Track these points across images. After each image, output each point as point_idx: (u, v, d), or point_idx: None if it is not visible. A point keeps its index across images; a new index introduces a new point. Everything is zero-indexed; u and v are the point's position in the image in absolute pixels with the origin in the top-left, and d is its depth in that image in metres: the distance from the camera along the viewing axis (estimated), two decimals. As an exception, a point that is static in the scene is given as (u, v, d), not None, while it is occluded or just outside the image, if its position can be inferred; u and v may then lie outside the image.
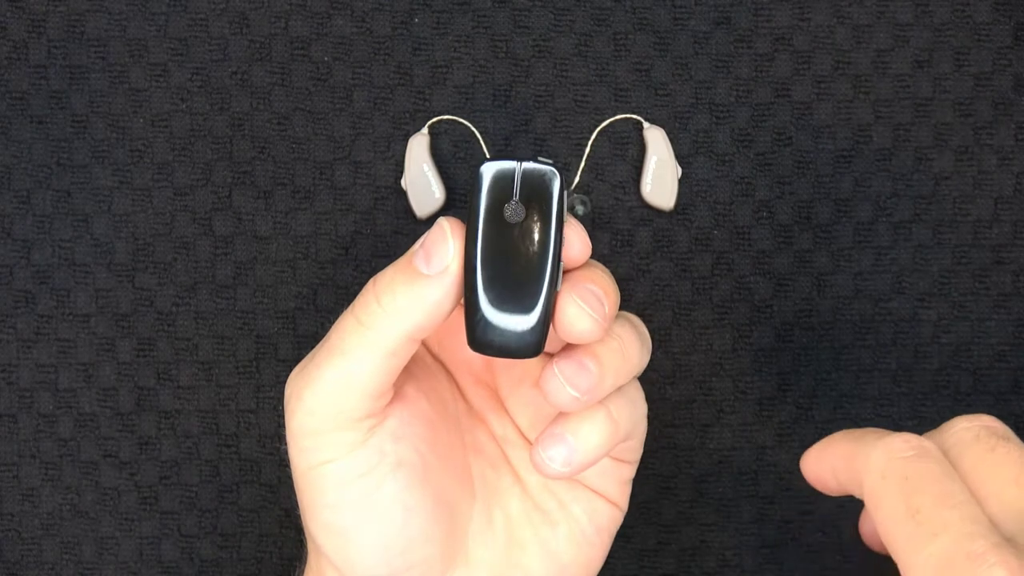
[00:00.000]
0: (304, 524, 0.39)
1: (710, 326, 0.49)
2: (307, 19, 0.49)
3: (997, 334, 0.50)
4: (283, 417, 0.47)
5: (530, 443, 0.42)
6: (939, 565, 0.32)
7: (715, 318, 0.49)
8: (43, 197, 0.49)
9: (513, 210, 0.36)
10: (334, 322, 0.36)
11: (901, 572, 0.33)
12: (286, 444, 0.39)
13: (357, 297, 0.37)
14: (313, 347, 0.49)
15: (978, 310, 0.50)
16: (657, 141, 0.49)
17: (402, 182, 0.49)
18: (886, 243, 0.49)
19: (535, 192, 0.36)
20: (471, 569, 0.41)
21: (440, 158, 0.49)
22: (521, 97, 0.49)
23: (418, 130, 0.49)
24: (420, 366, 0.41)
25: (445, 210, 0.49)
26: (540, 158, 0.36)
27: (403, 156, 0.49)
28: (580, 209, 0.48)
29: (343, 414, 0.37)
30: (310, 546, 0.40)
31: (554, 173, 0.36)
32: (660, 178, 0.49)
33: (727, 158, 0.49)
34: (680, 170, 0.49)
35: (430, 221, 0.49)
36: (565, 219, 0.36)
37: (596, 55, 0.49)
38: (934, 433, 0.37)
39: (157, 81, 0.49)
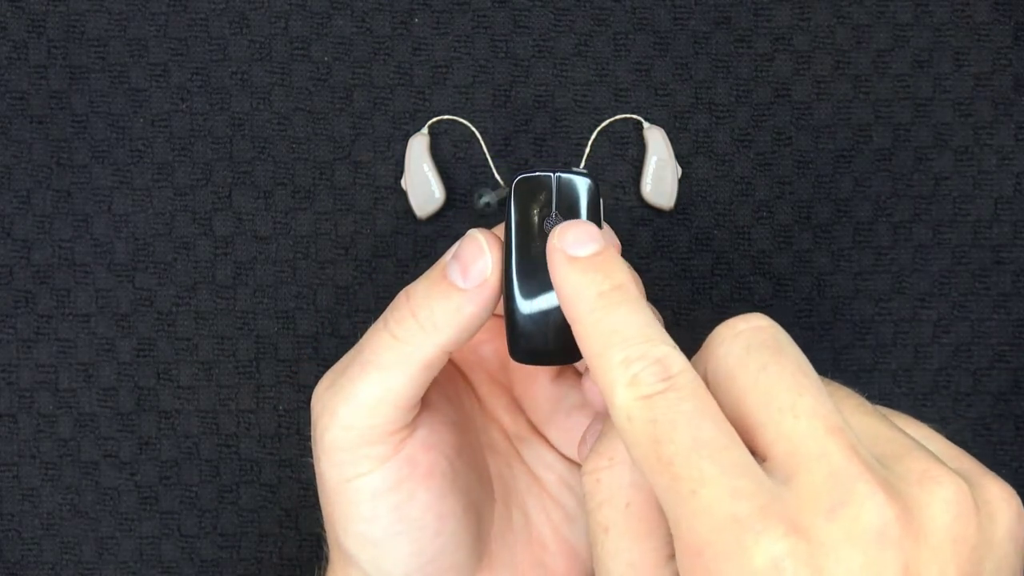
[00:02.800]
0: (332, 534, 0.39)
1: (710, 326, 0.49)
2: (307, 19, 0.49)
3: (997, 334, 0.50)
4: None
5: (544, 439, 0.42)
6: (703, 529, 0.29)
7: (715, 318, 0.49)
8: (43, 197, 0.49)
9: (554, 224, 0.36)
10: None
11: (670, 525, 0.30)
12: (312, 457, 0.38)
13: (388, 310, 0.37)
14: (314, 348, 0.49)
15: (978, 310, 0.50)
16: (657, 141, 0.49)
17: (402, 182, 0.49)
18: (886, 243, 0.49)
19: (572, 202, 0.36)
20: (494, 571, 0.41)
21: (440, 158, 0.49)
22: (521, 97, 0.49)
23: (418, 130, 0.49)
24: (440, 371, 0.41)
25: (445, 210, 0.49)
26: (574, 168, 0.36)
27: (403, 156, 0.49)
28: None
29: (377, 428, 0.37)
30: (335, 554, 0.40)
31: (591, 182, 0.36)
32: (660, 178, 0.49)
33: (727, 158, 0.49)
34: (680, 170, 0.49)
35: (430, 221, 0.49)
36: (601, 226, 0.36)
37: (596, 55, 0.49)
38: (703, 349, 0.33)
39: (157, 81, 0.49)
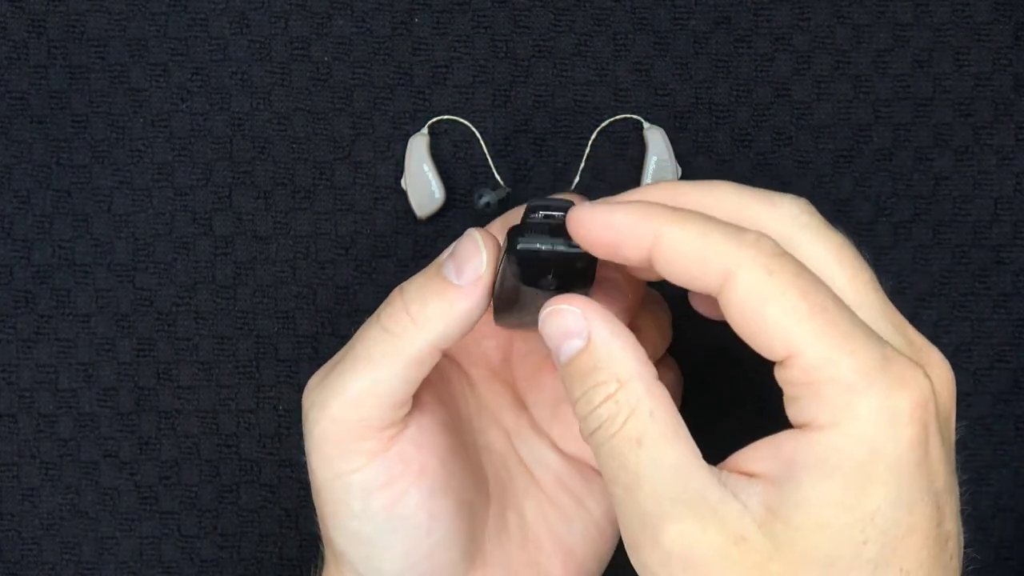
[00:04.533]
0: (325, 532, 0.39)
1: (711, 327, 0.49)
2: (307, 19, 0.49)
3: (997, 334, 0.50)
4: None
5: (544, 437, 0.42)
6: (863, 367, 0.31)
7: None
8: (43, 197, 0.49)
9: (548, 283, 0.36)
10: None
11: (794, 366, 0.32)
12: (305, 455, 0.39)
13: (382, 306, 0.37)
14: (314, 348, 0.49)
15: (978, 310, 0.50)
16: (657, 141, 0.49)
17: (402, 182, 0.49)
18: (886, 243, 0.49)
19: (568, 269, 0.36)
20: (488, 571, 0.41)
21: (440, 158, 0.49)
22: (521, 97, 0.49)
23: (418, 130, 0.49)
24: (434, 369, 0.41)
25: (445, 210, 0.49)
26: (574, 245, 0.35)
27: (403, 156, 0.49)
28: None
29: (366, 422, 0.37)
30: (329, 553, 0.40)
31: (590, 259, 0.36)
32: (660, 178, 0.49)
33: (727, 158, 0.49)
34: (680, 170, 0.49)
35: (430, 221, 0.49)
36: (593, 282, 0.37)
37: (596, 55, 0.49)
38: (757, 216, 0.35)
39: (157, 81, 0.49)
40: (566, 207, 0.35)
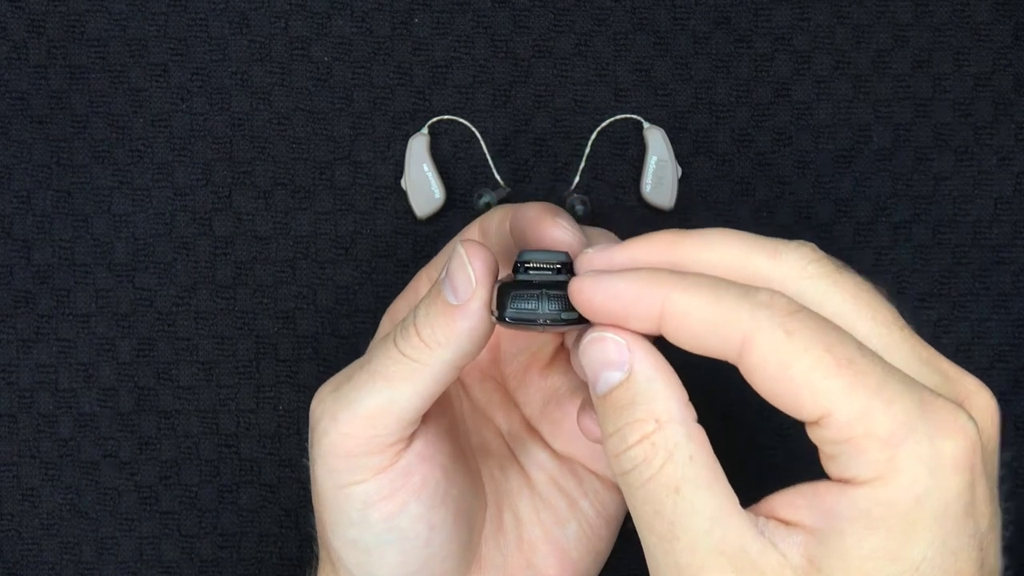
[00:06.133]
0: (323, 537, 0.39)
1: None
2: (307, 19, 0.49)
3: (997, 334, 0.50)
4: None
5: (538, 437, 0.42)
6: (901, 416, 0.30)
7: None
8: (43, 197, 0.49)
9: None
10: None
11: (829, 425, 0.30)
12: (308, 459, 0.39)
13: (396, 328, 0.37)
14: (314, 348, 0.49)
15: (978, 310, 0.50)
16: (657, 141, 0.49)
17: (402, 182, 0.49)
18: (886, 243, 0.49)
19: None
20: (484, 573, 0.41)
21: (440, 158, 0.49)
22: (521, 97, 0.49)
23: (418, 130, 0.49)
24: None
25: (445, 210, 0.49)
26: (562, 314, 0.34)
27: (403, 156, 0.49)
28: (580, 209, 0.48)
29: (378, 438, 0.37)
30: (324, 555, 0.40)
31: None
32: (660, 178, 0.49)
33: (727, 158, 0.49)
34: (680, 170, 0.49)
35: (430, 221, 0.49)
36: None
37: (596, 55, 0.49)
38: (761, 267, 0.33)
39: (157, 81, 0.49)
40: (559, 261, 0.35)
